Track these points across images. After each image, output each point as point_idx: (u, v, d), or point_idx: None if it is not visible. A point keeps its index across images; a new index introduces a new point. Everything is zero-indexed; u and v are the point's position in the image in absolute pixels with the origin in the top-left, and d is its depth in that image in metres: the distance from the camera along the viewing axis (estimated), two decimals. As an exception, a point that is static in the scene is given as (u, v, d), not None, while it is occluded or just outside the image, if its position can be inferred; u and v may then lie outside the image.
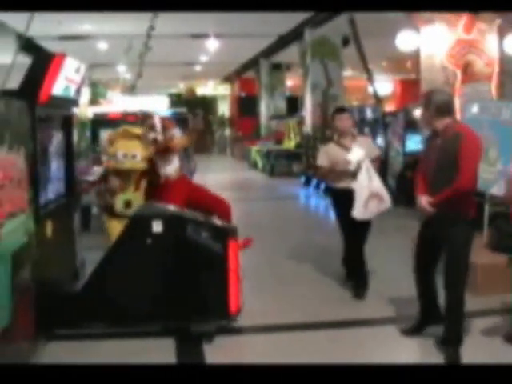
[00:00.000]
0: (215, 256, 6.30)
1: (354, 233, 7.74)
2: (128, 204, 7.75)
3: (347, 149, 7.65)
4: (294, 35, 21.62)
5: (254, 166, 26.62)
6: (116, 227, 7.50)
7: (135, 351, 6.07)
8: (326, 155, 7.81)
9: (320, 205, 16.27)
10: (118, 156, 7.69)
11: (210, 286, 6.33)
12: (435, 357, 5.74)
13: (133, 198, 7.81)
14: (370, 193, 7.35)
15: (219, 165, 29.23)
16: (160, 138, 7.89)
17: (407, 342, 6.24)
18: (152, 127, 7.93)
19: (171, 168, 8.09)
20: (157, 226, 6.31)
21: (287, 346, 6.30)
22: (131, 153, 7.71)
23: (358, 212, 7.34)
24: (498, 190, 8.22)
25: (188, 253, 6.28)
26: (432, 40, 10.68)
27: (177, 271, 6.29)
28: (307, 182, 19.47)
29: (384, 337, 6.45)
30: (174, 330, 6.39)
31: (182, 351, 6.08)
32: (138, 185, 7.92)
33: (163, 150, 7.94)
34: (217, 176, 23.34)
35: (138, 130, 7.92)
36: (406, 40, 11.17)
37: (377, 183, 7.44)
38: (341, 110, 8.16)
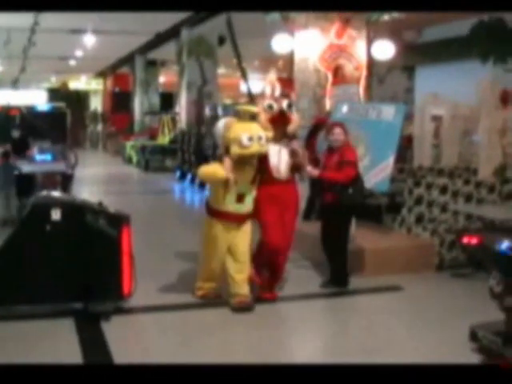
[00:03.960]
0: (111, 241, 6.74)
1: None
2: (240, 198, 7.05)
3: None
4: (171, 33, 22.00)
5: (129, 160, 26.85)
6: (217, 229, 7.05)
7: (38, 331, 6.43)
8: None
9: (195, 198, 16.83)
10: (242, 140, 6.84)
11: (107, 268, 6.79)
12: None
13: (247, 191, 7.10)
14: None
15: (93, 159, 29.16)
16: (276, 105, 7.20)
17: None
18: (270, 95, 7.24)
19: (283, 165, 7.32)
20: (55, 214, 6.70)
21: (179, 324, 6.84)
22: (256, 135, 6.92)
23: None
24: (365, 183, 9.00)
25: (87, 238, 6.70)
26: (306, 44, 11.27)
27: (76, 255, 6.70)
28: (182, 177, 19.94)
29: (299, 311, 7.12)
30: (73, 310, 6.77)
31: (81, 330, 6.43)
32: (256, 177, 7.19)
33: (278, 121, 7.20)
34: (92, 170, 23.44)
35: (254, 109, 7.21)
36: (281, 43, 11.65)
37: None
38: None
